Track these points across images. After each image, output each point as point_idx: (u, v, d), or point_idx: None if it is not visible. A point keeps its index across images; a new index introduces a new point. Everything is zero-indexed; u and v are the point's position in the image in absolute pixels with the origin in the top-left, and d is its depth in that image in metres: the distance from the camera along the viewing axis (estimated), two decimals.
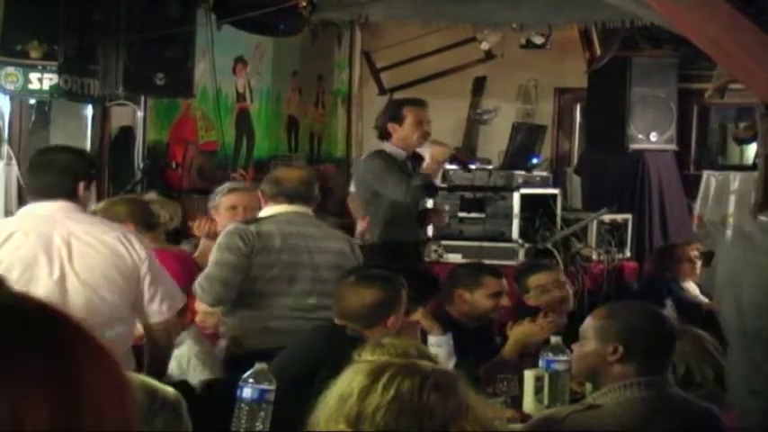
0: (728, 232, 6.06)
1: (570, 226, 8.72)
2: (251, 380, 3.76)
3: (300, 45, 10.43)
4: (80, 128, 7.74)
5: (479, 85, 11.43)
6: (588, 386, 4.51)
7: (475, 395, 2.73)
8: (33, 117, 7.68)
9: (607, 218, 9.11)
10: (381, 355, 2.74)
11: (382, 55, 11.24)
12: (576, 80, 10.83)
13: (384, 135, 7.27)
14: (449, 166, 8.19)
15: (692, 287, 7.96)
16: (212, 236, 5.97)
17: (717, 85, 8.30)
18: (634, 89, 10.31)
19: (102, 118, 7.87)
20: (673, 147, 10.46)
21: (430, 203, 8.04)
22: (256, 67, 9.88)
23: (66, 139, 7.62)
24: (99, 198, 7.01)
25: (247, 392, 3.74)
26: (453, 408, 2.64)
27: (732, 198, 10.49)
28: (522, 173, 9.12)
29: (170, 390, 2.78)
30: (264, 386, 3.74)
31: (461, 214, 8.72)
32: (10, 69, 7.02)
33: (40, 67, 7.07)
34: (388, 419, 2.61)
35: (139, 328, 4.88)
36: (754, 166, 8.67)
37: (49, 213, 4.57)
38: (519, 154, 9.57)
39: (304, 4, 8.13)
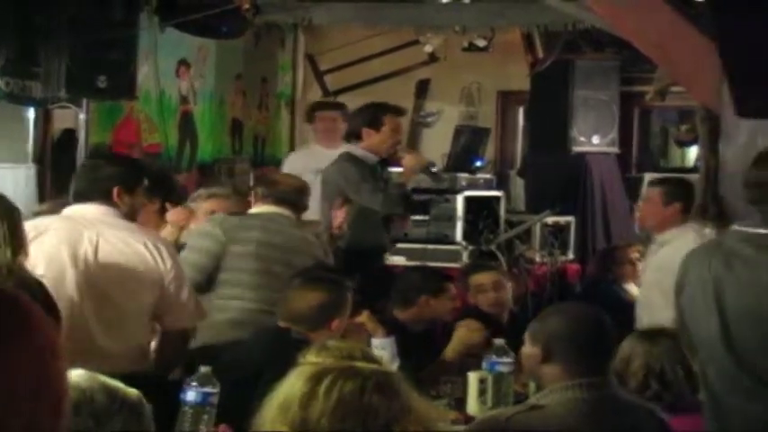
0: (690, 236, 6.03)
1: (514, 228, 8.75)
2: (194, 383, 3.77)
3: (244, 48, 10.39)
4: (22, 131, 7.66)
5: (423, 88, 11.43)
6: (532, 387, 4.55)
7: (418, 397, 2.75)
8: None
9: (550, 220, 9.15)
10: (326, 357, 2.74)
11: (326, 58, 11.23)
12: (518, 83, 10.84)
13: (353, 137, 7.24)
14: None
15: (633, 289, 8.00)
16: (181, 227, 6.05)
17: (658, 88, 8.37)
18: (576, 92, 10.33)
19: (44, 120, 7.79)
20: (615, 149, 10.51)
21: None
22: (200, 70, 9.84)
23: (8, 141, 7.56)
24: (41, 200, 7.00)
25: (191, 395, 3.75)
26: (396, 408, 2.65)
27: None
28: (466, 175, 9.14)
29: (132, 391, 2.80)
30: (208, 389, 3.76)
31: None
32: None
33: None
34: (333, 423, 2.62)
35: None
36: (695, 169, 8.74)
37: (83, 214, 4.85)
38: (462, 157, 9.57)
39: (247, 6, 8.11)
